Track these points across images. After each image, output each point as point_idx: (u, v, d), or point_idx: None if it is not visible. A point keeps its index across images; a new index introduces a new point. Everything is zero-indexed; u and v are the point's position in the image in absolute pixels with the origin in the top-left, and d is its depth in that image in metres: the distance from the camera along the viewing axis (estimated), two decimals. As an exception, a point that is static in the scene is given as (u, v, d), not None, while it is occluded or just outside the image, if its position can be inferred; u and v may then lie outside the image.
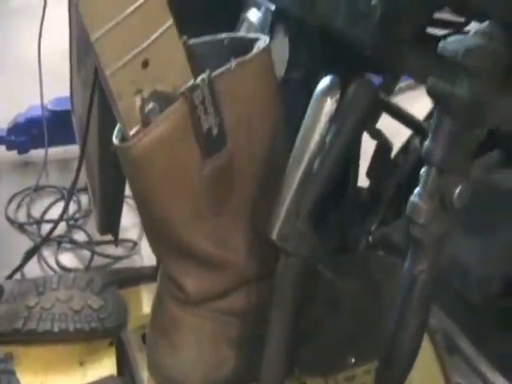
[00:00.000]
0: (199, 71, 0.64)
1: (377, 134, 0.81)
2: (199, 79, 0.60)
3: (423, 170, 0.49)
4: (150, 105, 0.60)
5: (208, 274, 0.67)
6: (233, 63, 0.62)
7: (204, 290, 0.68)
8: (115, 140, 0.62)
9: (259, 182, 0.66)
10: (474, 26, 0.64)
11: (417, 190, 0.50)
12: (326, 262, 0.75)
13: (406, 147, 0.94)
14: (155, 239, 0.67)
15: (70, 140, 1.54)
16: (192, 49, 0.67)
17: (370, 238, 0.86)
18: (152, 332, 0.75)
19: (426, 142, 0.48)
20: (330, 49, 0.73)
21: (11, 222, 1.60)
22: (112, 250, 1.46)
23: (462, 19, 0.66)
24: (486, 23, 0.46)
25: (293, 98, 0.77)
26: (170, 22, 0.59)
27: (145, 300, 1.21)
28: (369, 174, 0.86)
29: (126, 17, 0.56)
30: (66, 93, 1.44)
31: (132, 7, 0.56)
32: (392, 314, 0.54)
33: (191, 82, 0.61)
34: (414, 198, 0.50)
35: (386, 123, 0.82)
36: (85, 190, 1.55)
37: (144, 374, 0.94)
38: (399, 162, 0.89)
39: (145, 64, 0.58)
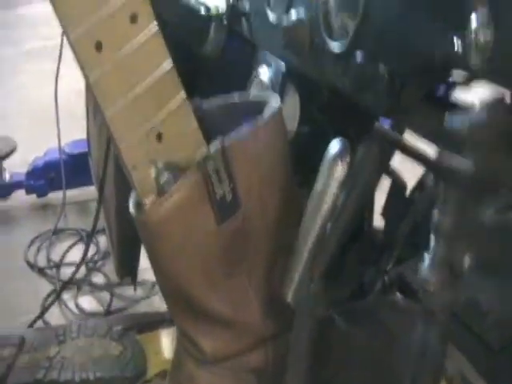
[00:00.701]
0: (212, 133, 0.66)
1: (391, 173, 0.81)
2: (212, 149, 0.62)
3: (432, 240, 0.50)
4: (165, 175, 0.61)
5: (224, 334, 0.68)
6: (245, 129, 0.64)
7: (220, 350, 0.69)
8: (131, 208, 0.63)
9: (273, 240, 0.67)
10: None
11: (426, 258, 0.50)
12: (339, 310, 0.75)
13: (421, 184, 0.95)
14: (170, 301, 0.69)
15: (87, 182, 1.56)
16: (205, 111, 0.69)
17: (386, 279, 0.86)
18: (172, 390, 0.76)
19: (434, 213, 0.49)
20: (341, 105, 0.75)
21: (31, 266, 1.62)
22: (131, 291, 1.47)
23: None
24: (491, 96, 0.47)
25: (306, 151, 0.78)
26: (182, 95, 0.60)
27: (164, 345, 1.22)
28: (383, 214, 0.87)
29: (138, 93, 0.58)
30: (83, 134, 1.46)
31: (144, 83, 0.58)
32: (405, 380, 0.55)
33: (204, 151, 0.62)
34: (423, 267, 0.50)
35: (401, 160, 0.82)
36: (103, 231, 1.57)
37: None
38: (414, 200, 0.89)
39: (159, 137, 0.60)
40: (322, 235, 0.59)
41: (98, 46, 0.54)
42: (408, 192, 0.89)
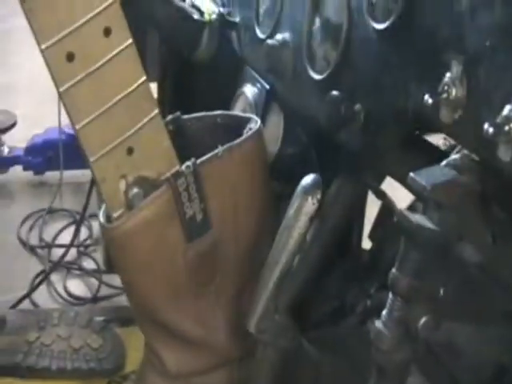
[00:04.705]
0: (192, 148, 0.64)
1: (381, 195, 0.79)
2: (184, 166, 0.61)
3: (389, 297, 0.48)
4: (135, 190, 0.60)
5: (188, 351, 0.67)
6: (220, 149, 0.62)
7: (184, 367, 0.68)
8: (101, 218, 0.62)
9: (243, 265, 0.66)
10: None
11: (383, 315, 0.49)
12: (310, 336, 0.74)
13: (411, 209, 0.93)
14: (137, 313, 0.68)
15: (85, 164, 1.55)
16: (185, 125, 0.67)
17: (368, 302, 0.85)
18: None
19: (392, 270, 0.47)
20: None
21: (23, 243, 1.62)
22: (119, 280, 1.46)
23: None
24: (457, 155, 0.46)
25: (287, 174, 0.76)
26: (155, 111, 0.59)
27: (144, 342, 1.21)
28: (371, 235, 0.85)
29: (110, 107, 0.56)
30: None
31: (117, 97, 0.56)
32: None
33: (176, 168, 0.61)
34: (378, 324, 0.49)
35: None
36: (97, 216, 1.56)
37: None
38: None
39: (129, 151, 0.59)
40: (287, 270, 0.57)
41: (70, 57, 0.53)
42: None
